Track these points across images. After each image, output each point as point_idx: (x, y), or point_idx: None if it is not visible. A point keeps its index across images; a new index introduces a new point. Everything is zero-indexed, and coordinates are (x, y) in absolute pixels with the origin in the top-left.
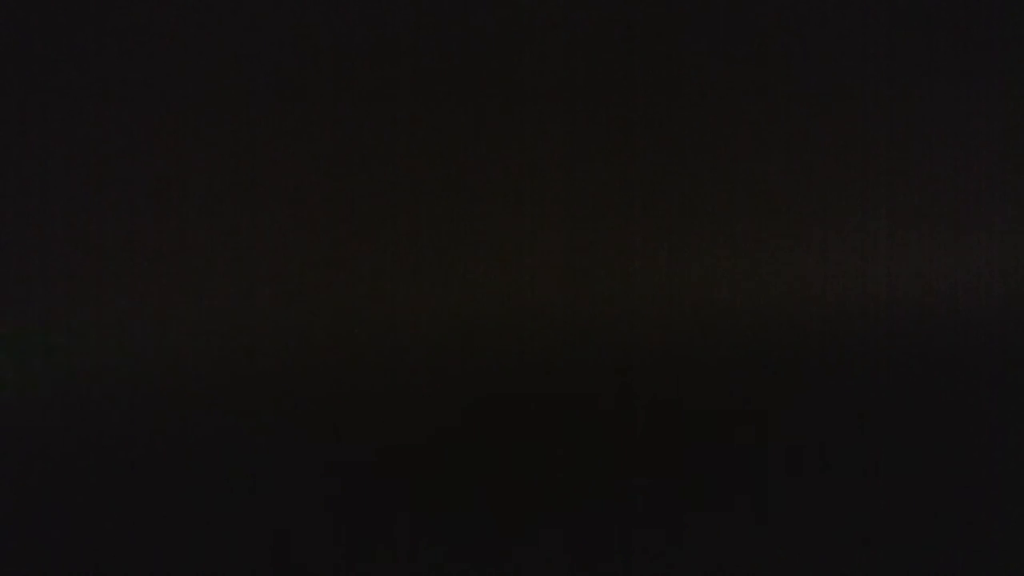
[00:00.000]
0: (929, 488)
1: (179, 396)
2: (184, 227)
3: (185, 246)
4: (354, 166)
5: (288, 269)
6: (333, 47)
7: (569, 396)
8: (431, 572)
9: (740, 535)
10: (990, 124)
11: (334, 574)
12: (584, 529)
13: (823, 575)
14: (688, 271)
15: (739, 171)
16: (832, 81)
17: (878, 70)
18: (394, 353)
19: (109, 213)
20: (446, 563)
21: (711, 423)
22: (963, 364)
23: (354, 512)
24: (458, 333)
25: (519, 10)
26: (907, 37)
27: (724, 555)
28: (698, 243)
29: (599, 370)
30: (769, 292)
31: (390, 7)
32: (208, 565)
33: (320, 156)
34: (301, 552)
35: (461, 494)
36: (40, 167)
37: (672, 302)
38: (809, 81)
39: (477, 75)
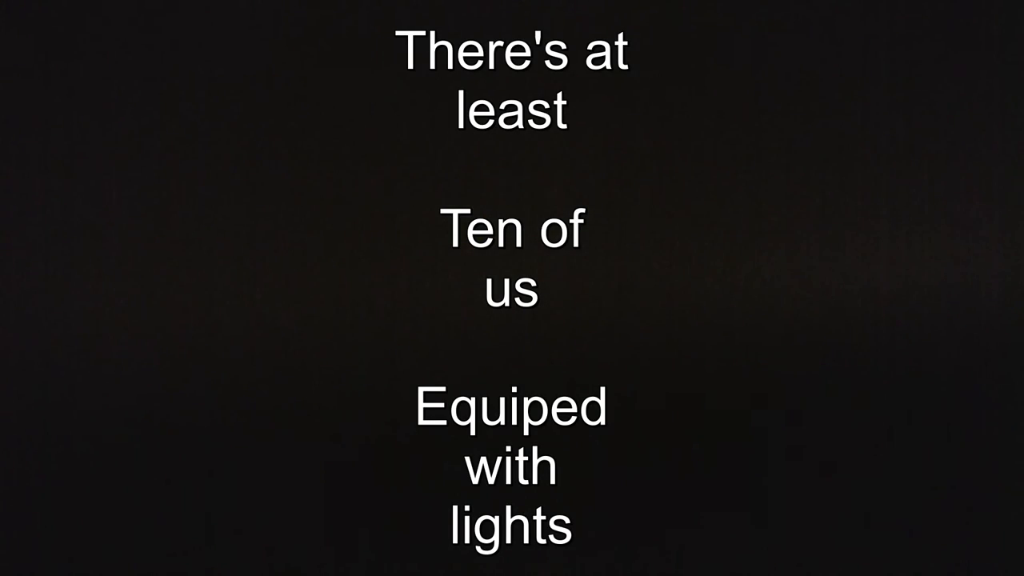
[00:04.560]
0: (929, 487)
1: (175, 393)
2: (179, 226)
3: (181, 245)
4: (346, 167)
5: (282, 267)
6: (332, 48)
7: (568, 394)
8: (423, 570)
9: (740, 534)
10: (990, 124)
11: (325, 570)
12: (583, 527)
13: (824, 574)
14: (688, 271)
15: (739, 171)
16: (832, 81)
17: (878, 70)
18: (391, 350)
19: (105, 213)
20: (435, 560)
21: (710, 422)
22: (963, 363)
23: (347, 510)
24: (455, 331)
25: (524, 9)
26: (908, 37)
27: (723, 553)
28: (698, 243)
29: (598, 369)
30: (769, 292)
31: (383, 7)
32: (206, 562)
33: (313, 156)
34: (294, 548)
35: (458, 493)
36: (40, 166)
37: (672, 302)
38: (809, 81)
39: (478, 72)
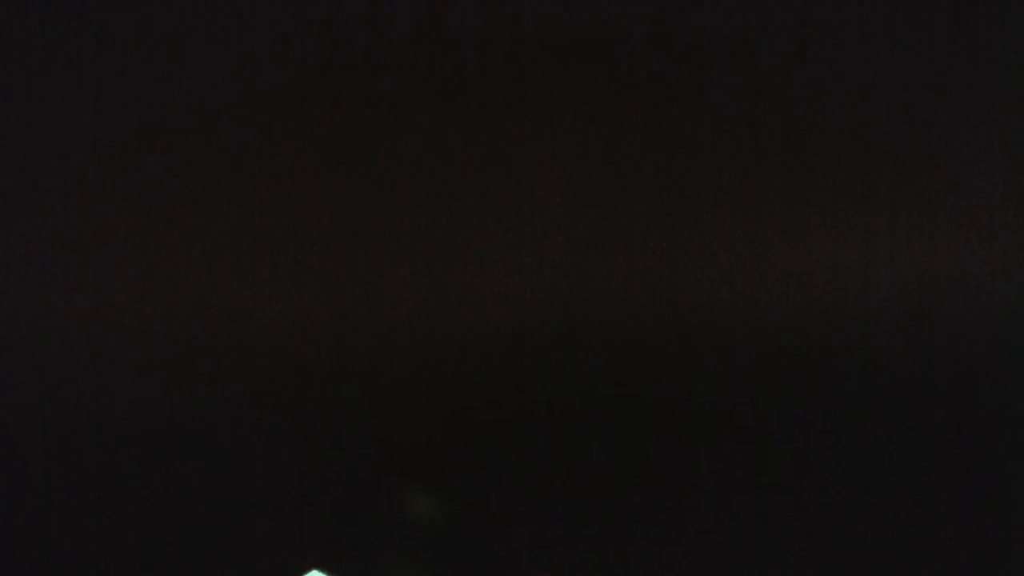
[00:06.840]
0: (928, 487)
1: (172, 392)
2: (178, 226)
3: (179, 245)
4: (355, 167)
5: (287, 268)
6: (332, 48)
7: (568, 394)
8: (427, 570)
9: (741, 534)
10: (990, 124)
11: (324, 569)
12: (582, 527)
13: (827, 574)
14: (688, 271)
15: (739, 171)
16: (833, 80)
17: (879, 70)
18: (393, 351)
19: (106, 212)
20: (441, 561)
21: (710, 423)
22: (963, 363)
23: (352, 509)
24: (457, 332)
25: (520, 9)
26: (908, 36)
27: (724, 553)
28: (698, 242)
29: (598, 369)
30: (769, 292)
31: (389, 8)
32: (204, 562)
33: (320, 156)
34: (292, 547)
35: (460, 493)
36: (41, 166)
37: (672, 302)
38: (810, 80)
39: (479, 75)
